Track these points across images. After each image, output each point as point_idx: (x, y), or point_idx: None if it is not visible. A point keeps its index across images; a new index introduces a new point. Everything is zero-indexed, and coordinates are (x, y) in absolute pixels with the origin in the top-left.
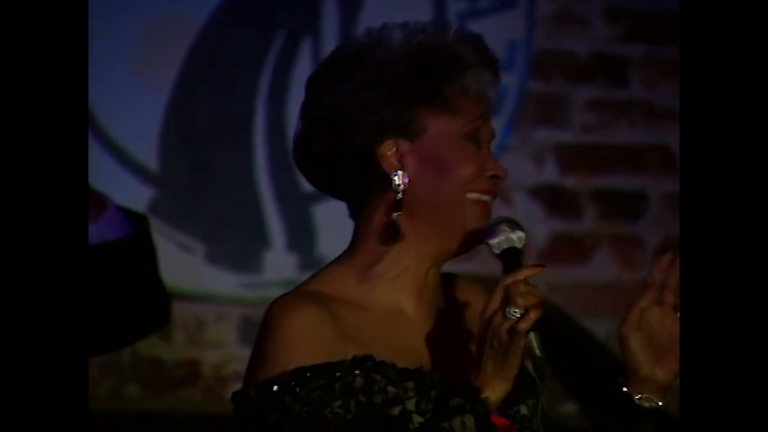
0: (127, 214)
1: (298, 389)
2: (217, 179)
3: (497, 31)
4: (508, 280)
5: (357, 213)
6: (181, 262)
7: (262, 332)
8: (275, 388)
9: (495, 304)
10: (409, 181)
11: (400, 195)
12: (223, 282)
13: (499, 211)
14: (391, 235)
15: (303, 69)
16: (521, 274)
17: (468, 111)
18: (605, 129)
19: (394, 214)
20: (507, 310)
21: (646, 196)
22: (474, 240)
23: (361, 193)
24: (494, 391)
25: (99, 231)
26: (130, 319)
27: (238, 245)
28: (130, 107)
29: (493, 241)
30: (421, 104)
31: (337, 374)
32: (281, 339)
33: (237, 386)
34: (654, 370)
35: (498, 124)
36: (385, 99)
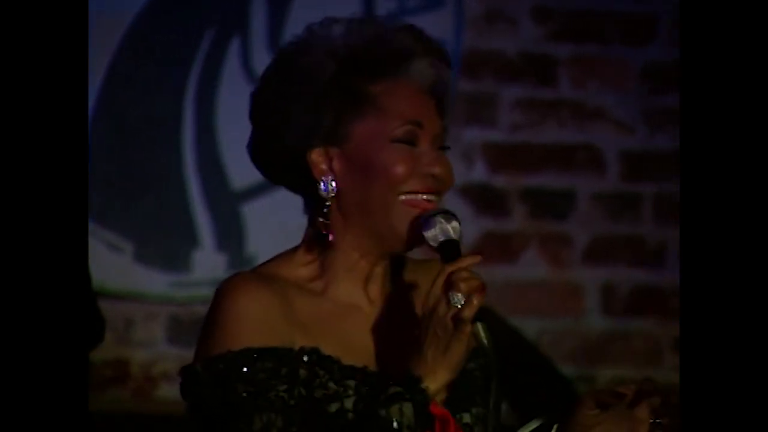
0: None
1: (244, 369)
2: (145, 178)
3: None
4: (450, 267)
5: (309, 207)
6: (109, 261)
7: (212, 308)
8: (221, 366)
9: (437, 291)
10: (339, 187)
11: (328, 203)
12: (152, 281)
13: None
14: (319, 240)
15: (232, 68)
16: (462, 263)
17: (400, 109)
18: (534, 128)
19: (320, 220)
20: (450, 296)
21: (574, 196)
22: (415, 238)
23: (308, 191)
24: (435, 380)
25: None
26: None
27: (167, 244)
28: None
29: (429, 234)
30: (346, 109)
31: (284, 360)
32: (230, 317)
33: (166, 386)
34: None
35: None
36: (307, 107)
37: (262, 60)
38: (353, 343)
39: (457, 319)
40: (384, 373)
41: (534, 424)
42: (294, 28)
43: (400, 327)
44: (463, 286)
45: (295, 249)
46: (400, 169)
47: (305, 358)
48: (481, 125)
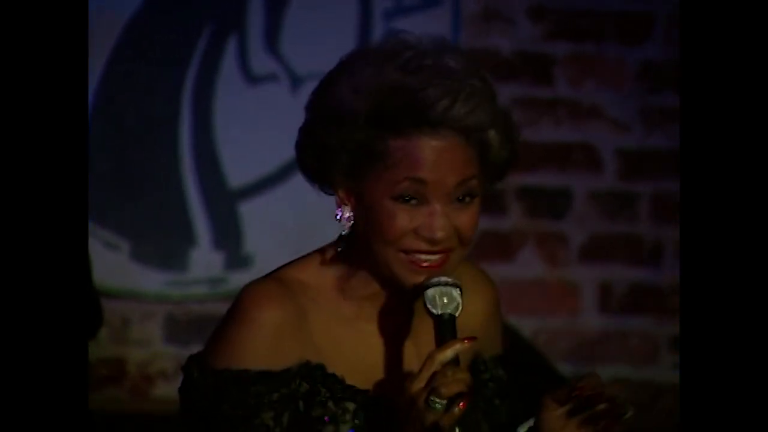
0: None
1: (234, 391)
2: (142, 177)
3: (423, 29)
4: (438, 356)
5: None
6: (106, 260)
7: (230, 314)
8: (216, 380)
9: (420, 383)
10: (355, 221)
11: (344, 231)
12: (149, 280)
13: None
14: (345, 248)
15: (228, 66)
16: (450, 351)
17: (406, 166)
18: (530, 127)
19: (338, 249)
20: (431, 399)
21: (571, 194)
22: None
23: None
24: None
25: None
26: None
27: (164, 243)
28: None
29: (427, 304)
30: (362, 159)
31: (279, 384)
32: (242, 333)
33: (163, 384)
34: None
35: None
36: (339, 141)
37: (259, 59)
38: (360, 367)
39: (436, 425)
40: (386, 400)
41: (530, 424)
42: (291, 27)
43: (413, 356)
44: (444, 391)
45: (322, 252)
46: (391, 230)
47: (307, 374)
48: None
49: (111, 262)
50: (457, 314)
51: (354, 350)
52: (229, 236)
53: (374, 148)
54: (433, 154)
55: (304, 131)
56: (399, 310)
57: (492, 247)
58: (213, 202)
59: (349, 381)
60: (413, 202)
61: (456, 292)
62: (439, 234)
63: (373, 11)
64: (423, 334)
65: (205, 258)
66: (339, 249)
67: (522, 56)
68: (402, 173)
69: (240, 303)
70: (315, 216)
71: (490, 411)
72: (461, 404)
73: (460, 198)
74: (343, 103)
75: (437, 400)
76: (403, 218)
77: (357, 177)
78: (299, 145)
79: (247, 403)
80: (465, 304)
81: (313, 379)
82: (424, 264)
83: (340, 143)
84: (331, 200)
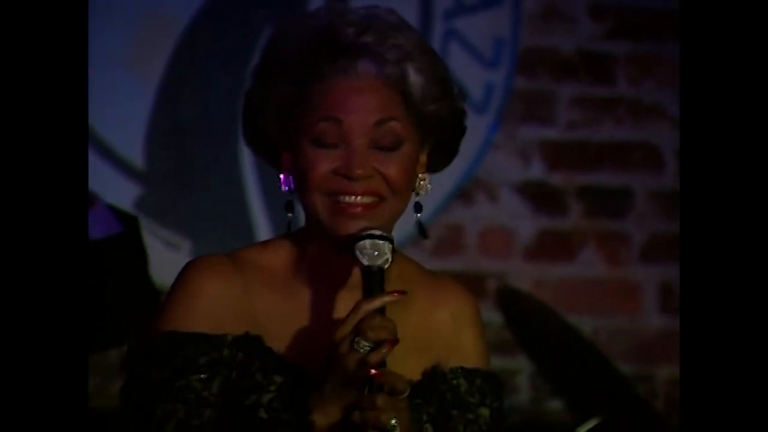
0: (116, 212)
1: (162, 353)
2: (202, 176)
3: (483, 29)
4: (364, 305)
5: (289, 209)
6: (166, 259)
7: (174, 282)
8: (147, 345)
9: (346, 329)
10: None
11: (289, 198)
12: None
13: (486, 208)
14: (291, 230)
15: None
16: (377, 301)
17: (321, 108)
18: (591, 126)
19: (288, 215)
20: (356, 341)
21: (631, 193)
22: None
23: None
24: (325, 416)
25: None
26: (119, 317)
27: (224, 241)
28: (118, 105)
29: (357, 254)
30: (287, 114)
31: (208, 347)
32: (177, 299)
33: None
34: None
35: (485, 121)
36: (268, 96)
37: None
38: (305, 348)
39: (361, 363)
40: (319, 377)
41: (591, 424)
42: None
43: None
44: (370, 334)
45: (284, 235)
46: (311, 173)
47: (245, 345)
48: (537, 123)
49: (171, 262)
50: (385, 267)
51: (300, 331)
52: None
53: (298, 95)
54: (348, 93)
55: (243, 99)
56: (351, 293)
57: (552, 247)
58: (273, 199)
59: (289, 359)
60: (332, 145)
61: (387, 247)
62: (357, 171)
63: (434, 10)
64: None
65: None
66: (290, 223)
67: (582, 55)
68: (318, 115)
69: (184, 272)
70: None
71: (444, 420)
72: (387, 348)
73: (385, 145)
74: (269, 57)
75: (364, 343)
76: (322, 161)
77: (289, 133)
78: (242, 117)
79: (173, 365)
80: (429, 310)
81: (250, 350)
82: (348, 204)
83: (269, 98)
84: None
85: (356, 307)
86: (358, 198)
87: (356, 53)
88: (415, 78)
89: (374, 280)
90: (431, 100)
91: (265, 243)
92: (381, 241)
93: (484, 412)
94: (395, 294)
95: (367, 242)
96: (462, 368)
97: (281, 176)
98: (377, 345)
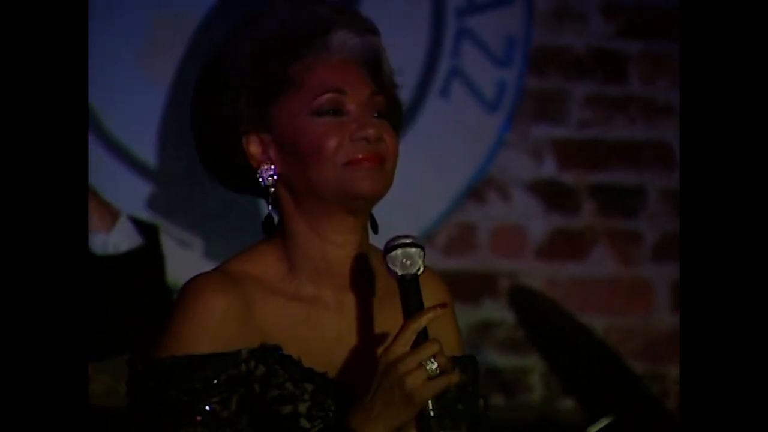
0: (138, 225)
1: (180, 377)
2: None
3: (495, 27)
4: (413, 325)
5: (273, 205)
6: (179, 258)
7: (175, 305)
8: (160, 369)
9: (399, 350)
10: (280, 172)
11: (272, 190)
12: None
13: (499, 207)
14: (266, 230)
15: None
16: (425, 319)
17: (319, 81)
18: (603, 124)
19: (269, 209)
20: (428, 362)
21: (644, 192)
22: (371, 193)
23: (260, 187)
24: None
25: (111, 241)
26: (137, 325)
27: (237, 240)
28: (130, 104)
29: (389, 264)
30: (264, 94)
31: (225, 366)
32: (185, 322)
33: None
34: None
35: (496, 120)
36: (226, 98)
37: None
38: (316, 350)
39: (426, 384)
40: (344, 383)
41: (603, 422)
42: None
43: (369, 336)
44: (442, 361)
45: (264, 242)
46: (327, 142)
47: (264, 356)
48: (549, 121)
49: (184, 260)
50: (419, 273)
51: (308, 334)
52: None
53: (276, 76)
54: (340, 66)
55: (195, 112)
56: (357, 293)
57: (564, 246)
58: None
59: (306, 364)
60: (335, 115)
61: (418, 254)
62: (371, 130)
63: (446, 9)
64: (379, 311)
65: None
66: (272, 210)
67: (595, 53)
68: (320, 87)
69: (183, 294)
70: (388, 211)
71: (456, 417)
72: (453, 377)
73: (379, 112)
74: (232, 54)
75: (434, 365)
76: (333, 128)
77: (265, 118)
78: (195, 130)
79: (193, 388)
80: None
81: (269, 360)
82: (363, 159)
83: (236, 89)
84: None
85: (405, 326)
86: (374, 164)
87: (331, 29)
88: (385, 63)
89: (410, 288)
90: (391, 84)
91: (248, 252)
92: (413, 249)
93: (481, 402)
94: (438, 308)
95: (399, 252)
96: (459, 358)
97: (262, 169)
98: (442, 372)
